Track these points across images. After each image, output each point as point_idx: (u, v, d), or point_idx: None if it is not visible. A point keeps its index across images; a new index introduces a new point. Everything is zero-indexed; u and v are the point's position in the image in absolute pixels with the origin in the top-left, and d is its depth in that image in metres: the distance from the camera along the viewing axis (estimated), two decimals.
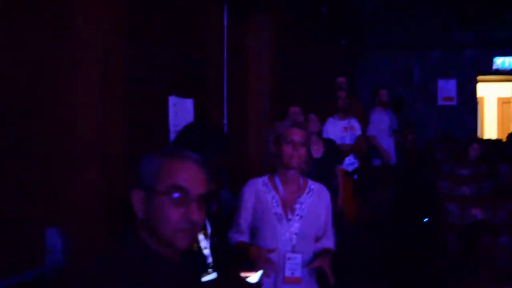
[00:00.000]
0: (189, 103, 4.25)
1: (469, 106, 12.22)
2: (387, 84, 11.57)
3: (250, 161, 6.05)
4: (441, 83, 12.07)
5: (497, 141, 10.88)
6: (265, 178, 3.43)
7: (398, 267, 6.51)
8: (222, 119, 5.29)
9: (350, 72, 11.11)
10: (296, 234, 3.29)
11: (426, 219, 7.35)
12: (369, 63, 12.07)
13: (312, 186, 3.44)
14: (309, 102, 7.13)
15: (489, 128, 16.48)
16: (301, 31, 8.20)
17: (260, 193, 3.37)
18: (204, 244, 2.67)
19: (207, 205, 1.85)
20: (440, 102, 12.07)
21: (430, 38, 11.61)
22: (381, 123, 8.26)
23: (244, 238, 3.38)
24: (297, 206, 3.34)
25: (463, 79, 12.06)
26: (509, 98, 15.08)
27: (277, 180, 3.39)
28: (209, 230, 2.74)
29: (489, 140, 11.13)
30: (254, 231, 3.39)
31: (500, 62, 12.09)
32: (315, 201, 3.40)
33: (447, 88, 12.05)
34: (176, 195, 1.74)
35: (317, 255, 3.33)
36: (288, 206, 3.34)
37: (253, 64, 6.09)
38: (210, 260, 2.68)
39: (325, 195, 3.48)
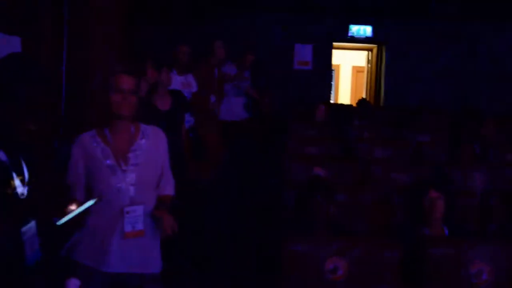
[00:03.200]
0: (16, 42, 3.87)
1: (324, 71, 12.43)
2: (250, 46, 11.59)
3: (92, 113, 5.73)
4: (297, 47, 12.17)
5: (349, 106, 11.19)
6: (93, 132, 3.16)
7: (235, 225, 6.47)
8: (61, 66, 4.93)
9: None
10: (133, 184, 3.08)
11: (272, 180, 7.38)
12: (229, 22, 11.89)
13: (145, 131, 3.22)
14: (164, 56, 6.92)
15: (344, 95, 17.02)
16: None
17: (88, 149, 3.12)
18: (21, 190, 2.50)
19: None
20: (296, 66, 12.18)
21: (289, 0, 11.67)
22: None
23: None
24: (131, 154, 3.11)
25: (319, 45, 12.22)
26: (362, 67, 15.57)
27: (107, 131, 3.14)
28: (26, 177, 2.55)
29: (341, 104, 11.44)
30: (90, 190, 3.12)
31: (356, 29, 12.35)
32: (152, 145, 3.19)
33: (304, 53, 12.17)
34: None
35: (156, 204, 3.18)
36: (121, 156, 3.10)
37: (98, 8, 5.71)
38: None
39: (161, 137, 3.28)
